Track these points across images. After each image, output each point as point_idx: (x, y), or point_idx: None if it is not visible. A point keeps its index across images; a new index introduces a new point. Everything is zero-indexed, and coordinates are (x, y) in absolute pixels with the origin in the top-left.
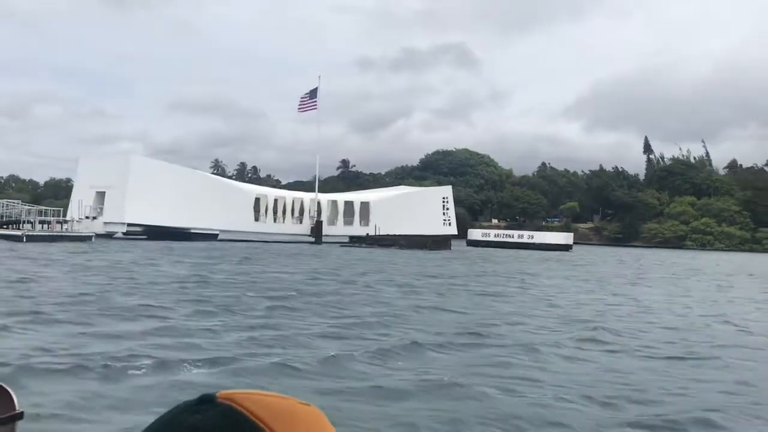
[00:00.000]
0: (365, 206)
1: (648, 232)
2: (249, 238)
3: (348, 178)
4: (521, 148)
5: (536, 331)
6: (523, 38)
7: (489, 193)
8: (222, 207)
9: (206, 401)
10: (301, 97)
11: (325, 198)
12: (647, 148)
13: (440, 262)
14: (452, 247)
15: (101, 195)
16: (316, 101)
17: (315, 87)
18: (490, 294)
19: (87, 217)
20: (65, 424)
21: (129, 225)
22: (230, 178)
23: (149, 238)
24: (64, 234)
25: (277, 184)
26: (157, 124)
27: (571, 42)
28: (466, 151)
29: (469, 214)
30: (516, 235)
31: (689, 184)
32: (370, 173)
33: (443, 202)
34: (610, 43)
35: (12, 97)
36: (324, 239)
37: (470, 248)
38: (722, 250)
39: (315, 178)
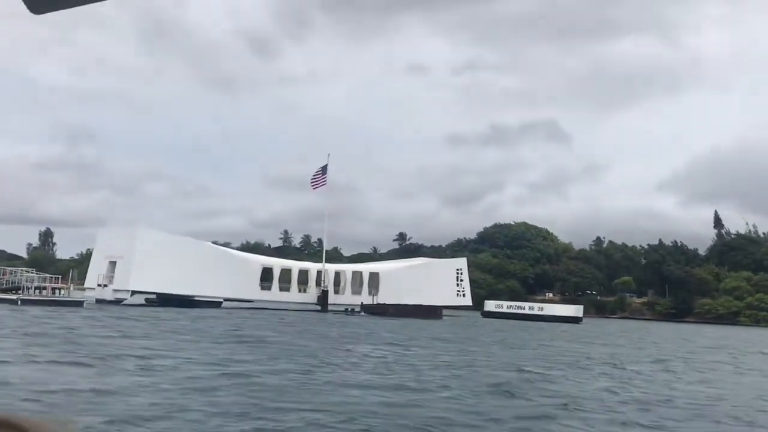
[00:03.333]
0: (375, 276)
1: (701, 308)
2: (255, 306)
3: (408, 251)
4: (615, 221)
5: None
6: (618, 114)
7: (545, 266)
8: (227, 276)
9: None
10: (313, 175)
11: (332, 268)
12: (717, 223)
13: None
14: (465, 317)
15: (113, 264)
16: (326, 177)
17: (325, 164)
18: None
19: (99, 285)
20: None
21: (134, 292)
22: (295, 249)
23: (160, 305)
24: (58, 299)
25: (339, 256)
26: (257, 200)
27: (667, 116)
28: (524, 224)
29: (522, 287)
30: (527, 307)
31: (750, 259)
32: (431, 245)
33: (458, 273)
34: (708, 118)
35: (125, 176)
36: (331, 308)
37: (485, 319)
38: None
39: (374, 250)
